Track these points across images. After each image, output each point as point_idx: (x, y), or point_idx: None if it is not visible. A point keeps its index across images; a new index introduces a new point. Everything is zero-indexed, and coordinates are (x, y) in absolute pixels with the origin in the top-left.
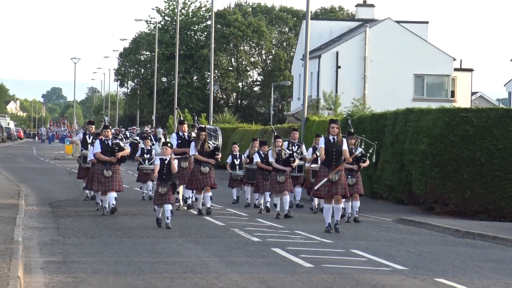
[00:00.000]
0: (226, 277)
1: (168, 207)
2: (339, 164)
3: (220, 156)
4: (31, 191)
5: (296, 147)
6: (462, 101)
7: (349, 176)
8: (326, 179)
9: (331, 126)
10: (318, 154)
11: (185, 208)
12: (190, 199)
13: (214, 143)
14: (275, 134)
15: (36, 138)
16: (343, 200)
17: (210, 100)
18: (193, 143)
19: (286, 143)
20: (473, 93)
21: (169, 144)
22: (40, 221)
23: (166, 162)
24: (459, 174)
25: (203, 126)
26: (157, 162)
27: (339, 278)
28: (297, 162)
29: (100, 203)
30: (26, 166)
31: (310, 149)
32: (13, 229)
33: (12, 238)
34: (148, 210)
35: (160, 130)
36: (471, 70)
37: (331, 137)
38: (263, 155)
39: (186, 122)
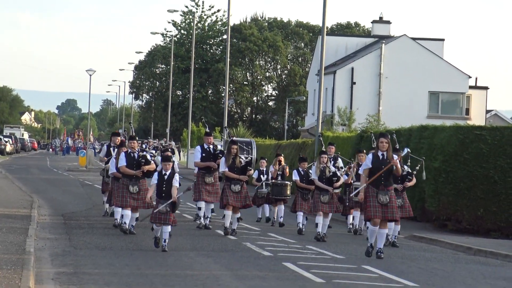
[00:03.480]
0: None
1: (167, 228)
2: (388, 183)
3: (252, 172)
4: (44, 202)
5: (333, 161)
6: (477, 119)
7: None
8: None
9: (380, 140)
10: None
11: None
12: (209, 219)
13: (246, 157)
14: (324, 148)
15: (50, 149)
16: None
17: (224, 114)
18: (223, 159)
19: None
20: (488, 111)
21: (172, 159)
22: (52, 232)
23: (166, 177)
24: (472, 192)
25: (235, 139)
26: (154, 181)
27: None
28: (341, 181)
29: (118, 220)
30: (40, 177)
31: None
32: (25, 239)
33: (24, 249)
34: None
35: (173, 143)
36: (486, 88)
37: (380, 153)
38: (302, 172)
39: (212, 134)
